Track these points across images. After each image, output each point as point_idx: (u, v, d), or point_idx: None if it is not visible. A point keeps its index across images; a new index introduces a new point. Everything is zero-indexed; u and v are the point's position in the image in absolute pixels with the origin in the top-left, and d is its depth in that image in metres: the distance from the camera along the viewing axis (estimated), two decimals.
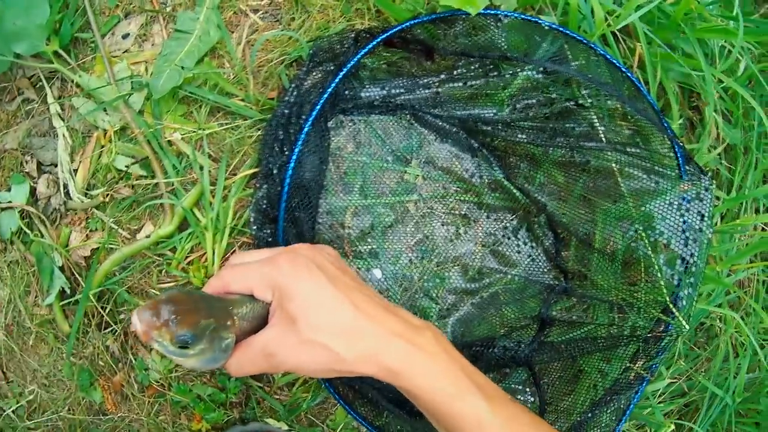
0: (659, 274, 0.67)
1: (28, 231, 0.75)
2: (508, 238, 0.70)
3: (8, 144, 0.79)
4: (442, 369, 0.38)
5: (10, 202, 0.76)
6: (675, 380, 0.83)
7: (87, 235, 0.74)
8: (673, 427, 0.79)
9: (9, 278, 0.79)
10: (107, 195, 0.71)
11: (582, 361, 0.73)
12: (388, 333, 0.38)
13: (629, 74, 0.72)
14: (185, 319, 0.36)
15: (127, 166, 0.70)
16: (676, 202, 0.68)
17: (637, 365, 0.70)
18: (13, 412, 0.80)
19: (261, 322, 0.41)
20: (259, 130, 0.68)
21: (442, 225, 0.68)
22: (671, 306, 0.67)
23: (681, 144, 0.69)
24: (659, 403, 0.82)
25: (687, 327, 0.67)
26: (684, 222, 0.67)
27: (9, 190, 0.77)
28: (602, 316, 0.70)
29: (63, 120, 0.76)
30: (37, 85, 0.78)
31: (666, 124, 0.70)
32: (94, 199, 0.72)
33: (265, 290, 0.40)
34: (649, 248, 0.67)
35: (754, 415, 0.88)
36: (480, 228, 0.69)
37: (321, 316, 0.38)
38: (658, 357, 0.66)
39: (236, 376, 0.40)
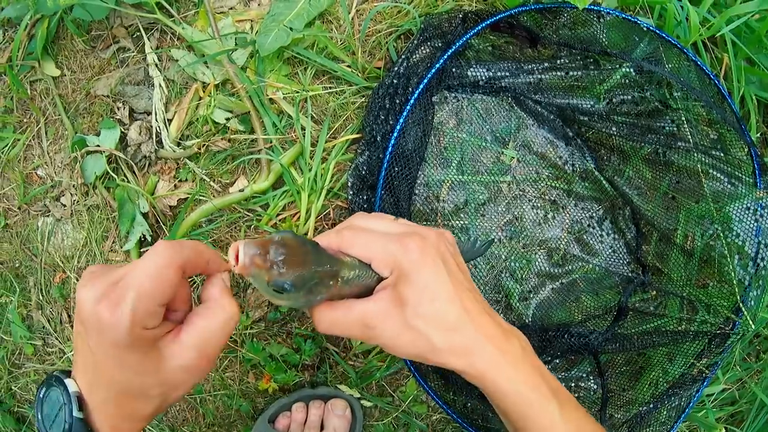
0: (733, 274, 0.70)
1: (114, 176, 0.77)
2: (593, 228, 0.73)
3: (99, 90, 0.81)
4: (524, 375, 0.41)
5: (98, 146, 0.78)
6: (728, 387, 0.86)
7: (175, 185, 0.76)
8: (724, 431, 0.82)
9: (87, 222, 0.81)
10: (202, 146, 0.74)
11: (646, 358, 0.77)
12: (483, 335, 0.40)
13: (717, 82, 0.75)
14: (290, 268, 0.35)
15: (227, 119, 0.73)
16: (752, 207, 0.71)
17: (701, 362, 0.73)
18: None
19: (362, 291, 0.41)
20: (362, 97, 0.71)
21: (532, 208, 0.71)
22: (741, 305, 0.70)
23: (758, 152, 0.73)
24: (712, 407, 0.85)
25: (753, 326, 0.70)
26: (758, 227, 0.71)
27: (98, 134, 0.80)
28: (673, 310, 0.74)
29: (160, 70, 0.78)
30: (134, 35, 0.81)
31: (746, 132, 0.73)
32: (188, 149, 0.74)
33: (385, 266, 0.41)
34: (726, 248, 0.70)
35: None
36: (567, 215, 0.72)
37: (431, 308, 0.39)
38: (722, 354, 0.70)
39: (323, 332, 0.41)
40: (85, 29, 0.82)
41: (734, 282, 0.71)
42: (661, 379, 0.76)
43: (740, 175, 0.73)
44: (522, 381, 0.41)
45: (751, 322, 0.71)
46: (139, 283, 0.34)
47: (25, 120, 0.87)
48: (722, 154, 0.73)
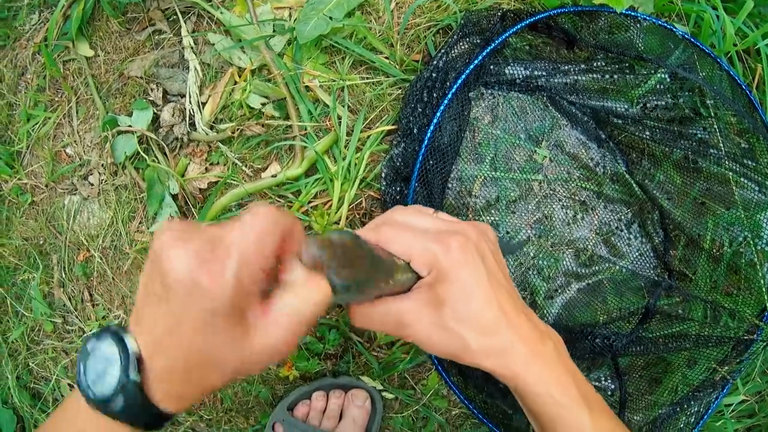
0: (762, 281, 0.72)
1: (145, 156, 0.79)
2: (621, 230, 0.75)
3: (133, 71, 0.84)
4: (556, 377, 0.41)
5: (130, 126, 0.81)
6: (747, 399, 0.88)
7: (206, 168, 0.78)
8: None
9: (114, 202, 0.83)
10: (236, 130, 0.76)
11: (666, 363, 0.78)
12: (518, 336, 0.41)
13: (749, 92, 0.77)
14: (346, 270, 0.35)
15: (263, 105, 0.75)
16: None
17: (723, 369, 0.75)
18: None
19: (401, 289, 0.42)
20: (399, 89, 0.73)
21: (562, 208, 0.73)
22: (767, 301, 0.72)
23: None
24: (731, 418, 0.86)
25: None
26: None
27: (130, 115, 0.82)
28: (696, 316, 0.76)
29: (196, 54, 0.80)
30: (170, 18, 0.83)
31: None
32: (221, 132, 0.77)
33: (424, 265, 0.41)
34: (756, 255, 0.72)
35: None
36: (596, 216, 0.74)
37: (468, 309, 0.40)
38: (744, 361, 0.72)
39: (358, 326, 0.42)
40: (121, 11, 0.85)
41: (763, 289, 0.73)
42: (680, 385, 0.78)
43: None
44: (554, 383, 0.41)
45: None
46: (244, 247, 0.31)
47: (56, 99, 0.89)
48: (753, 164, 0.75)
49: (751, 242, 0.73)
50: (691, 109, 0.78)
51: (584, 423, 0.41)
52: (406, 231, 0.42)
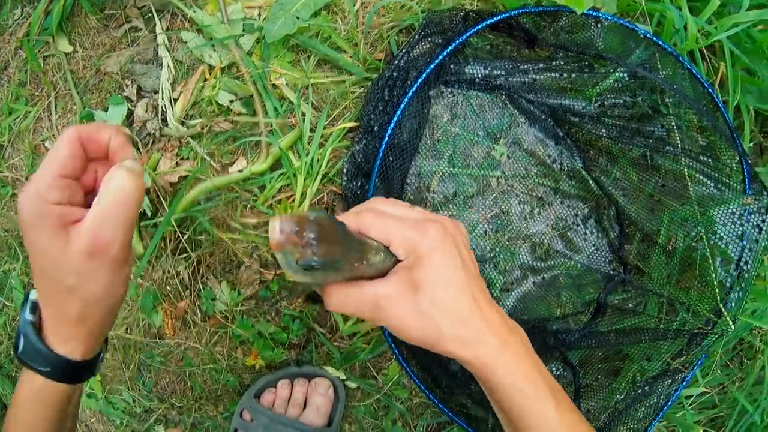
0: (714, 275, 0.76)
1: None
2: (577, 226, 0.78)
3: (109, 67, 0.88)
4: (524, 371, 0.43)
5: (105, 121, 0.85)
6: (708, 391, 0.91)
7: (177, 162, 0.82)
8: (701, 430, 0.87)
9: None
10: (205, 126, 0.80)
11: (623, 357, 0.82)
12: (489, 327, 0.43)
13: (711, 90, 0.80)
14: (324, 248, 0.37)
15: (231, 102, 0.79)
16: (737, 212, 0.76)
17: (677, 360, 0.79)
18: None
19: (377, 273, 0.43)
20: (362, 87, 0.77)
21: (519, 203, 0.77)
22: (721, 305, 0.75)
23: (749, 162, 0.78)
24: (690, 409, 0.90)
25: (732, 327, 0.76)
26: (743, 231, 0.76)
27: (106, 110, 0.86)
28: (652, 310, 0.79)
29: (169, 51, 0.84)
30: (146, 16, 0.87)
31: (738, 141, 0.78)
32: (192, 128, 0.81)
33: (402, 249, 0.43)
34: (708, 250, 0.76)
35: None
36: (553, 212, 0.78)
37: (444, 295, 0.41)
38: (700, 352, 0.75)
39: (333, 310, 0.43)
40: (99, 7, 0.89)
41: (715, 283, 0.76)
42: (639, 378, 0.81)
43: (728, 181, 0.78)
44: (522, 376, 0.43)
45: (731, 323, 0.76)
46: (44, 161, 0.40)
47: (36, 93, 0.93)
48: (710, 161, 0.79)
49: (704, 237, 0.76)
50: (650, 107, 0.81)
51: (550, 415, 0.43)
52: (386, 217, 0.44)
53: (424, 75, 0.72)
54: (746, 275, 0.76)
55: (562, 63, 0.77)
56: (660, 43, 0.78)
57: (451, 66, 0.75)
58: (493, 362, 0.42)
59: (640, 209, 0.77)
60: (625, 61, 0.78)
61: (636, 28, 0.77)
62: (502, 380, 0.43)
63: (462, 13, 0.76)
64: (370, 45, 0.77)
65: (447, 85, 0.76)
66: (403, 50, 0.74)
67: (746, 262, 0.76)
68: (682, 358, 0.79)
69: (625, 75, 0.78)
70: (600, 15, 0.77)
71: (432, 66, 0.72)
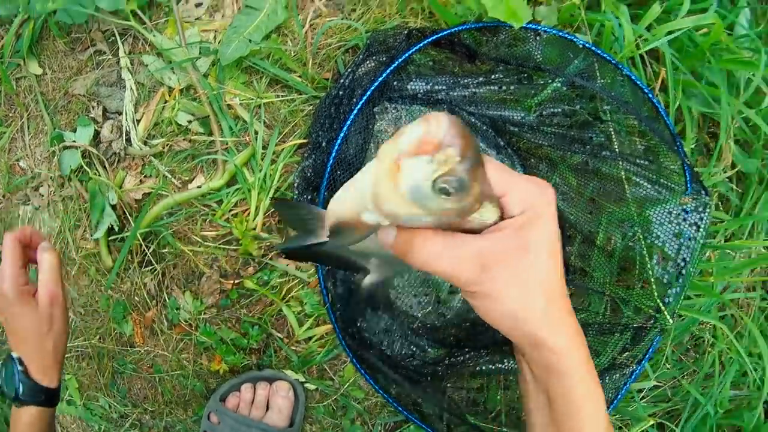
0: (651, 272, 0.80)
1: (88, 169, 0.89)
2: None
3: (76, 90, 0.93)
4: (587, 357, 0.39)
5: (74, 141, 0.90)
6: (660, 384, 0.96)
7: (141, 180, 0.87)
8: (652, 422, 0.92)
9: (62, 212, 0.93)
10: (166, 146, 0.85)
11: None
12: (568, 308, 0.39)
13: (650, 95, 0.85)
14: (480, 170, 0.31)
15: (189, 122, 0.84)
16: (675, 212, 0.81)
17: (624, 355, 0.83)
18: None
19: (470, 229, 0.36)
20: (311, 105, 0.81)
21: None
22: (659, 302, 0.80)
23: (689, 163, 0.82)
24: (642, 401, 0.94)
25: (671, 321, 0.80)
26: (680, 230, 0.80)
27: (74, 131, 0.91)
28: (597, 306, 0.84)
29: (132, 74, 0.89)
30: (110, 40, 0.92)
31: (679, 144, 0.83)
32: (153, 148, 0.86)
33: (519, 202, 0.37)
34: (645, 249, 0.80)
35: None
36: None
37: (547, 266, 0.36)
38: (643, 347, 0.79)
39: (419, 264, 0.36)
40: (66, 32, 0.94)
41: (652, 281, 0.81)
42: None
43: (668, 183, 0.83)
44: (590, 369, 0.39)
45: (669, 318, 0.81)
46: (5, 260, 0.63)
47: (10, 114, 0.99)
48: (647, 163, 0.83)
49: (641, 237, 0.80)
50: (590, 114, 0.85)
51: (602, 414, 0.39)
52: (507, 170, 0.38)
53: (368, 93, 0.76)
54: (684, 271, 0.80)
55: (501, 76, 0.81)
56: (598, 51, 0.82)
57: (395, 83, 0.79)
58: (568, 345, 0.38)
59: (580, 212, 0.81)
60: (563, 72, 0.83)
61: (575, 39, 0.82)
62: (577, 369, 0.38)
63: (405, 32, 0.80)
64: (318, 65, 0.82)
65: (391, 101, 0.80)
66: (349, 69, 0.79)
67: (684, 260, 0.80)
68: (628, 353, 0.84)
69: (562, 85, 0.82)
70: (539, 28, 0.81)
71: (375, 84, 0.76)
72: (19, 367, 0.64)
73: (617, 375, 0.85)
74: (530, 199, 0.37)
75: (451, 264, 0.35)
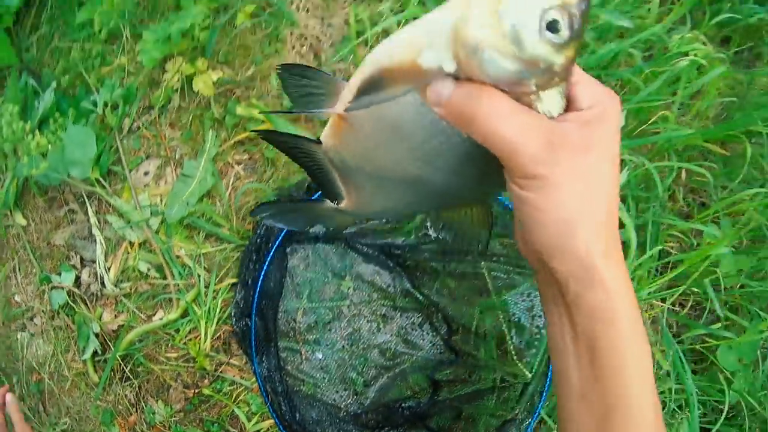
0: (509, 342, 1.05)
1: (73, 305, 1.13)
2: (415, 330, 1.08)
3: (57, 241, 1.17)
4: (635, 301, 0.36)
5: (60, 283, 1.14)
6: None
7: (115, 314, 1.12)
8: None
9: (54, 338, 1.17)
10: (132, 288, 1.09)
11: (472, 421, 1.12)
12: (619, 242, 0.35)
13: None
14: (587, 23, 0.29)
15: (148, 269, 1.08)
16: (525, 291, 1.06)
17: (517, 409, 1.08)
18: None
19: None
20: (239, 251, 1.06)
21: (367, 322, 1.07)
22: (515, 360, 1.05)
23: None
24: None
25: (529, 376, 1.05)
26: (532, 304, 1.05)
27: (59, 274, 1.16)
28: (488, 374, 1.09)
29: (100, 230, 1.14)
30: (80, 200, 1.16)
31: None
32: (123, 290, 1.10)
33: (589, 96, 0.34)
34: (505, 327, 1.05)
35: None
36: (395, 323, 1.07)
37: (611, 174, 0.34)
38: (527, 401, 1.05)
39: (486, 124, 0.32)
40: (44, 191, 1.18)
41: (511, 348, 1.06)
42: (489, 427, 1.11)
43: (521, 270, 1.08)
44: (636, 310, 0.36)
45: (528, 374, 1.06)
46: None
47: (3, 256, 1.23)
48: (502, 258, 1.08)
49: (502, 317, 1.06)
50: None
51: (650, 374, 0.36)
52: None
53: (279, 239, 1.01)
54: (539, 336, 1.06)
55: None
56: None
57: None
58: (617, 284, 0.34)
59: (459, 307, 1.07)
60: None
61: None
62: (628, 318, 0.35)
63: (306, 185, 1.05)
64: (241, 218, 1.07)
65: (299, 243, 1.05)
66: (263, 223, 1.04)
67: (537, 327, 1.06)
68: (521, 407, 1.09)
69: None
70: None
71: (283, 233, 1.01)
72: None
73: (514, 430, 1.10)
74: (599, 96, 0.35)
75: (520, 128, 0.32)
